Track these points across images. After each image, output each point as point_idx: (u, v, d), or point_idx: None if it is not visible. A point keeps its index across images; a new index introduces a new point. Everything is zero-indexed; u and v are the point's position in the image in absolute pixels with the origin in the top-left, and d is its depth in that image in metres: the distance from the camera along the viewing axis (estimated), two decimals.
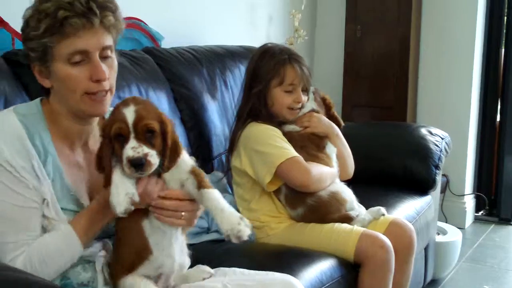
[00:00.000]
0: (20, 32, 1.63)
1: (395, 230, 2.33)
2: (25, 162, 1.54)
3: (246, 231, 1.52)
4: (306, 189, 2.29)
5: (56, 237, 1.57)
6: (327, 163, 2.39)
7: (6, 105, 1.93)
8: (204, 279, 1.72)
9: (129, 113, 1.51)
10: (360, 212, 2.36)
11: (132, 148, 1.49)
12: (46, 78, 1.62)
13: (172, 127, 1.59)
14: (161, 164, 1.55)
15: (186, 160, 1.63)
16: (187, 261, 1.75)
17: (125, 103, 1.55)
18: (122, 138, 1.51)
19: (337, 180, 2.42)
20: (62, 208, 1.60)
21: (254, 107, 2.37)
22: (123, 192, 1.50)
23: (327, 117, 2.50)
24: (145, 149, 1.50)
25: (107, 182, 1.54)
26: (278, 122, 2.39)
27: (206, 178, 1.62)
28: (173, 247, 1.66)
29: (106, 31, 1.61)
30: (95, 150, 1.70)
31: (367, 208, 2.42)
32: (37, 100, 1.68)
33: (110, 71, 1.63)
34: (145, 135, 1.51)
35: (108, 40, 1.62)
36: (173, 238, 1.66)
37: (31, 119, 1.61)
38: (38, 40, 1.56)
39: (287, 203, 2.35)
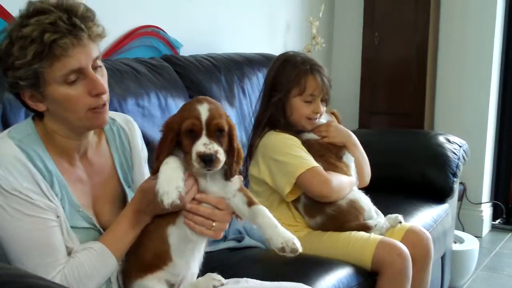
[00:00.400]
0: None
1: (411, 237, 2.33)
2: (32, 185, 1.51)
3: (299, 245, 1.55)
4: (326, 200, 2.29)
5: (89, 256, 1.56)
6: (346, 172, 2.39)
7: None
8: (214, 287, 1.70)
9: (204, 111, 1.55)
10: (378, 222, 2.36)
11: (204, 145, 1.52)
12: (40, 102, 1.56)
13: (235, 130, 1.64)
14: (228, 167, 1.59)
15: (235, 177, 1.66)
16: (197, 270, 1.75)
17: (198, 101, 1.58)
18: (193, 134, 1.55)
19: (355, 188, 2.42)
20: (72, 227, 1.58)
21: (273, 116, 2.36)
22: (173, 185, 1.51)
23: None
24: (216, 146, 1.53)
25: (157, 171, 1.55)
26: (296, 131, 2.38)
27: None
28: (193, 258, 1.67)
29: (93, 42, 1.56)
30: (95, 161, 1.71)
31: (385, 215, 2.41)
32: (29, 119, 1.63)
33: (103, 79, 1.60)
34: (216, 133, 1.55)
35: (96, 51, 1.57)
36: (196, 249, 1.67)
37: (27, 141, 1.55)
38: (27, 68, 1.49)
39: (305, 212, 2.35)
